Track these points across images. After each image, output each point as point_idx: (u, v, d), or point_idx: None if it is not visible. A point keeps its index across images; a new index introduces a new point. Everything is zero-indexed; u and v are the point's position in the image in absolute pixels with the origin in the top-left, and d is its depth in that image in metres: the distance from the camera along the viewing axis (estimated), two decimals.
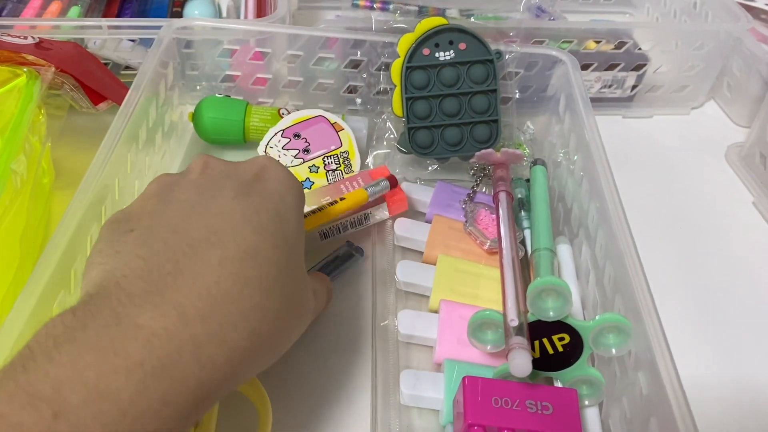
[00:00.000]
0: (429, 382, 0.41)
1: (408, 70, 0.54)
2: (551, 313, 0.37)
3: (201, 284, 0.26)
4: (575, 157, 0.51)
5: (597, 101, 0.65)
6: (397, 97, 0.55)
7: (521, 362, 0.34)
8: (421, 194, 0.53)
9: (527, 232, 0.49)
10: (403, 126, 0.55)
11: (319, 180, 0.54)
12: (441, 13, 0.72)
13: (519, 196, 0.52)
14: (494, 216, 0.49)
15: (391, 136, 0.57)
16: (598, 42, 0.64)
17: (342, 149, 0.56)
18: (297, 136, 0.55)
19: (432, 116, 0.55)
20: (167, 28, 0.55)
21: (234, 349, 0.26)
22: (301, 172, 0.54)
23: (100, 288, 0.26)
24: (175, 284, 0.26)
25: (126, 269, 0.27)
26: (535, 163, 0.55)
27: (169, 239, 0.28)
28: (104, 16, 0.68)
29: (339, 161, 0.55)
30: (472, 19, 0.71)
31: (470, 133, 0.55)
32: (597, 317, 0.37)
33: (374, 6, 0.73)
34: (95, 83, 0.52)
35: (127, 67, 0.61)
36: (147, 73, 0.50)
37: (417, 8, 0.72)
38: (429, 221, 0.52)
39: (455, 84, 0.54)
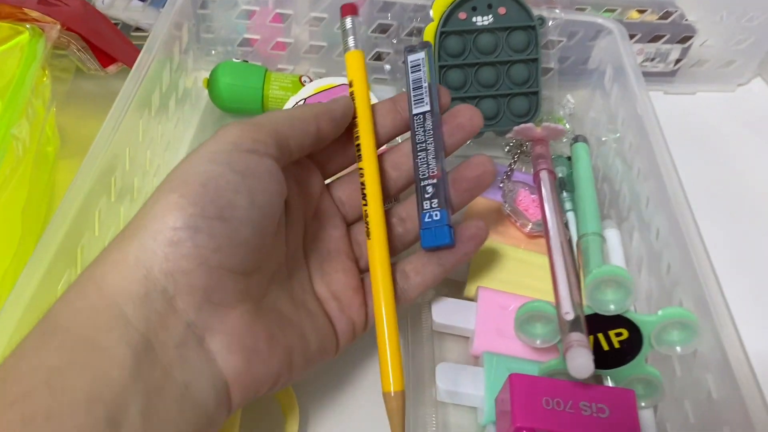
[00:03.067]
0: (467, 377, 0.37)
1: (442, 35, 0.50)
2: (612, 306, 0.33)
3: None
4: (624, 134, 0.47)
5: None
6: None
7: (582, 362, 0.30)
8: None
9: (570, 215, 0.45)
10: None
11: None
12: None
13: (560, 174, 0.48)
14: (535, 196, 0.45)
15: None
16: (641, 11, 0.59)
17: None
18: None
19: (467, 87, 0.51)
20: None
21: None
22: None
23: None
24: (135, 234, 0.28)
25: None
26: (576, 139, 0.51)
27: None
28: None
29: None
30: None
31: (507, 105, 0.51)
32: (660, 312, 0.34)
33: None
34: (104, 44, 0.48)
35: (138, 29, 0.57)
36: (160, 35, 0.46)
37: None
38: None
39: (493, 52, 0.50)
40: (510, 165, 0.49)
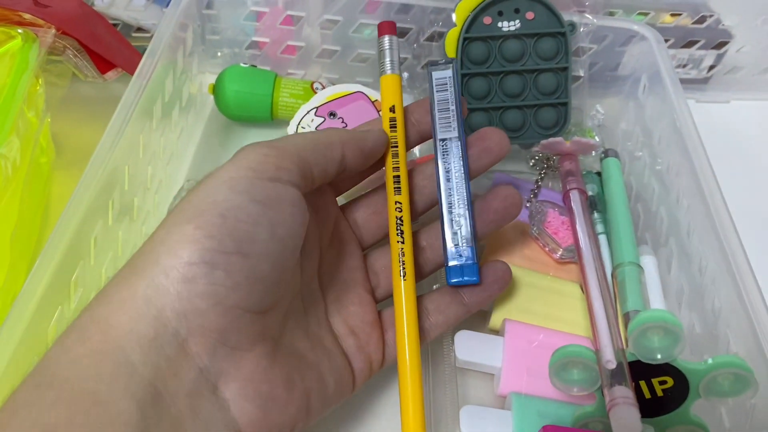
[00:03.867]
0: (494, 422, 0.34)
1: (465, 41, 0.46)
2: (659, 355, 0.30)
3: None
4: (661, 150, 0.44)
5: None
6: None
7: (629, 422, 0.27)
8: (476, 187, 0.46)
9: (602, 238, 0.42)
10: None
11: None
12: None
13: (590, 193, 0.45)
14: (565, 218, 0.42)
15: None
16: (675, 15, 0.56)
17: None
18: (333, 115, 0.48)
19: (491, 96, 0.47)
20: None
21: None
22: None
23: None
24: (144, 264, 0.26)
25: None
26: (606, 154, 0.48)
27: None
28: None
29: None
30: None
31: (534, 117, 0.48)
32: (710, 360, 0.30)
33: None
34: (103, 48, 0.45)
35: (139, 29, 0.53)
36: (164, 37, 0.43)
37: None
38: None
39: (520, 59, 0.47)
40: (537, 182, 0.46)
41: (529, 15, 0.46)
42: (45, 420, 0.21)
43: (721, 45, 0.57)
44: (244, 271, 0.25)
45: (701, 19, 0.55)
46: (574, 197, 0.41)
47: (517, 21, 0.46)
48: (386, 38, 0.37)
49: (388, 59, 0.37)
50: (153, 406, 0.23)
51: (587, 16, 0.48)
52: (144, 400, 0.23)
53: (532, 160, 0.50)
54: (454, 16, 0.46)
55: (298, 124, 0.47)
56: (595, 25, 0.49)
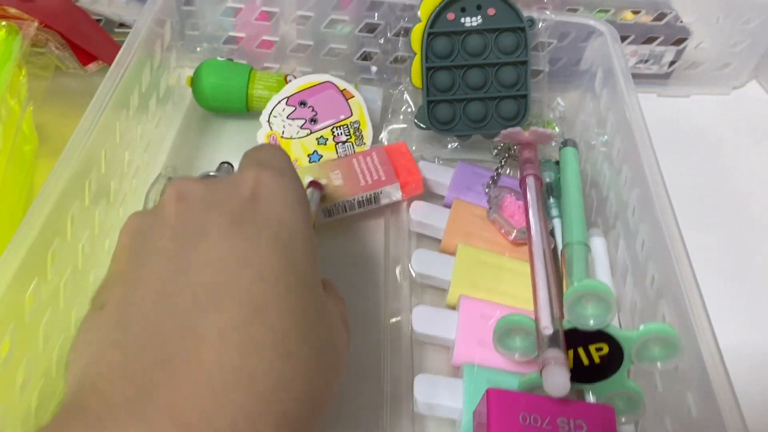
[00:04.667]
0: (446, 389, 0.37)
1: (430, 36, 0.49)
2: (591, 321, 0.33)
3: (199, 372, 0.20)
4: (612, 139, 0.46)
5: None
6: (416, 67, 0.49)
7: (558, 381, 0.30)
8: (439, 175, 0.48)
9: (556, 222, 0.44)
10: (421, 98, 0.50)
11: (328, 153, 0.49)
12: None
13: (547, 180, 0.47)
14: (521, 203, 0.45)
15: (409, 109, 0.52)
16: (636, 12, 0.58)
17: (352, 119, 0.51)
18: (303, 104, 0.50)
19: (454, 89, 0.50)
20: None
21: None
22: (308, 144, 0.50)
23: (77, 394, 0.20)
24: (165, 379, 0.20)
25: (102, 364, 0.21)
26: (565, 143, 0.50)
27: (149, 314, 0.22)
28: None
29: (349, 132, 0.50)
30: None
31: (495, 108, 0.50)
32: (642, 327, 0.33)
33: None
34: (85, 41, 0.47)
35: (122, 24, 0.56)
36: (141, 31, 0.45)
37: None
38: (448, 205, 0.47)
39: (482, 54, 0.49)
40: (497, 169, 0.48)
41: (491, 11, 0.49)
42: None
43: (680, 41, 0.59)
44: None
45: (660, 16, 0.58)
46: (529, 182, 0.43)
47: (479, 17, 0.49)
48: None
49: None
50: None
51: (546, 12, 0.51)
52: None
53: (495, 150, 0.52)
54: (419, 13, 0.49)
55: (270, 113, 0.49)
56: (554, 21, 0.51)
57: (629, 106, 0.45)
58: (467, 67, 0.49)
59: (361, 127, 0.51)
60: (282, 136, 0.49)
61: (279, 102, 0.49)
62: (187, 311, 0.21)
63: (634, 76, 0.53)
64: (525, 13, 0.49)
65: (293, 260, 0.24)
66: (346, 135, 0.50)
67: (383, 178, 0.45)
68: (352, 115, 0.51)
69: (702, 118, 0.62)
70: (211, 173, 0.45)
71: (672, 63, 0.61)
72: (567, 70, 0.56)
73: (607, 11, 0.57)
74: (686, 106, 0.63)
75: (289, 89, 0.50)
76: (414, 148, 0.51)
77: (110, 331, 0.22)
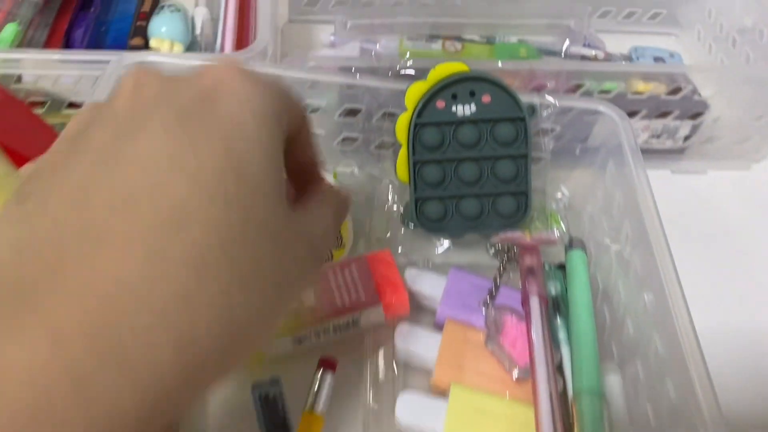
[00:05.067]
0: None
1: (417, 127, 0.43)
2: None
3: (90, 281, 0.18)
4: (624, 249, 0.41)
5: (642, 153, 0.54)
6: (402, 160, 0.44)
7: None
8: (429, 286, 0.42)
9: (565, 352, 0.38)
10: (408, 194, 0.44)
11: None
12: (456, 40, 0.60)
13: (553, 292, 0.41)
14: (523, 325, 0.38)
15: (395, 206, 0.46)
16: (649, 84, 0.52)
17: None
18: None
19: (445, 184, 0.44)
20: (116, 64, 0.43)
21: (152, 374, 0.18)
22: None
23: None
24: (52, 287, 0.17)
25: None
26: (571, 245, 0.44)
27: (60, 213, 0.19)
28: (52, 31, 0.56)
29: None
30: (496, 43, 0.60)
31: (492, 205, 0.44)
32: None
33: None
34: (20, 143, 0.41)
35: (72, 104, 0.49)
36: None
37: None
38: (439, 324, 0.41)
39: (476, 145, 0.43)
40: (495, 279, 0.42)
41: (486, 98, 0.43)
42: None
43: (697, 115, 0.53)
44: None
45: (676, 90, 0.52)
46: (533, 305, 0.37)
47: (473, 104, 0.43)
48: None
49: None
50: None
51: (548, 97, 0.45)
52: None
53: (493, 248, 0.46)
54: (405, 101, 0.43)
55: None
56: (558, 108, 0.45)
57: (641, 197, 0.39)
58: (460, 161, 0.44)
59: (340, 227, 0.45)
60: None
61: None
62: (98, 213, 0.19)
63: (646, 151, 0.48)
64: (525, 100, 0.43)
65: (241, 169, 0.21)
66: None
67: (363, 299, 0.39)
68: None
69: (721, 196, 0.56)
70: None
71: (687, 138, 0.55)
72: (572, 148, 0.50)
73: (616, 85, 0.51)
74: (703, 183, 0.57)
75: None
76: (400, 250, 0.45)
77: (15, 227, 0.19)
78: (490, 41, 0.60)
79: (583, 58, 0.61)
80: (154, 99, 0.22)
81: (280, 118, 0.23)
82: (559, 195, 0.48)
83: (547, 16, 0.58)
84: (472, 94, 0.43)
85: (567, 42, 0.47)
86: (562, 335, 0.39)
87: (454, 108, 0.43)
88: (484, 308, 0.40)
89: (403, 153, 0.43)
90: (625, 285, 0.40)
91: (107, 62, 0.43)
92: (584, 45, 0.62)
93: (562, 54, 0.60)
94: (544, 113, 0.45)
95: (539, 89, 0.48)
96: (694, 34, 0.68)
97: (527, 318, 0.38)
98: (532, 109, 0.43)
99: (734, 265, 0.50)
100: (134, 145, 0.20)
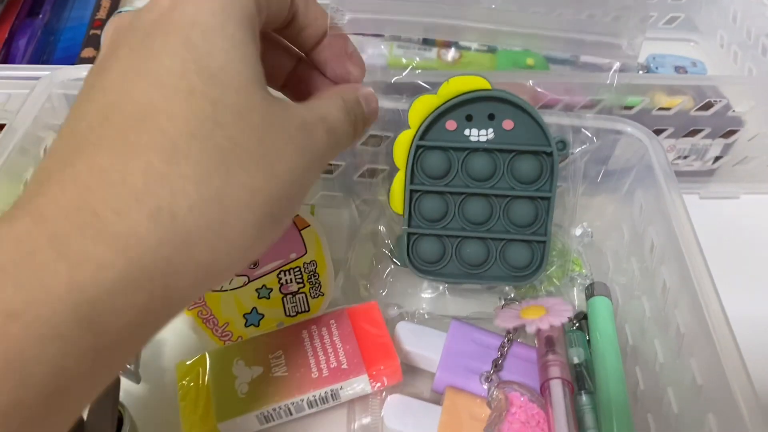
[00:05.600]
0: None
1: (419, 149, 0.36)
2: None
3: (77, 174, 0.20)
4: (664, 296, 0.34)
5: None
6: (398, 187, 0.37)
7: None
8: (425, 345, 0.35)
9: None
10: (401, 228, 0.37)
11: (273, 311, 0.37)
12: (452, 45, 0.52)
13: (575, 360, 0.34)
14: (535, 410, 0.31)
15: (387, 241, 0.39)
16: (676, 100, 0.45)
17: (307, 258, 0.38)
18: None
19: (446, 221, 0.37)
20: (47, 81, 0.36)
21: (128, 241, 0.19)
22: (244, 299, 0.37)
23: None
24: (52, 178, 0.20)
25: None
26: (592, 291, 0.37)
27: (65, 129, 0.22)
28: None
29: (302, 278, 0.38)
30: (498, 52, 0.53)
31: (501, 252, 0.37)
32: None
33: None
34: None
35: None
36: (6, 152, 0.33)
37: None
38: (438, 392, 0.34)
39: (489, 179, 0.37)
40: (502, 346, 0.35)
41: (507, 124, 0.35)
42: None
43: (730, 133, 0.46)
44: None
45: (707, 106, 0.45)
46: (554, 391, 0.30)
47: (491, 130, 0.36)
48: None
49: None
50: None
51: (584, 131, 0.37)
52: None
53: (503, 301, 0.39)
54: (407, 117, 0.36)
55: None
56: (594, 144, 0.38)
57: (684, 242, 0.32)
58: (467, 195, 0.37)
59: (318, 270, 0.38)
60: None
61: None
62: (81, 134, 0.21)
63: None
64: (555, 131, 0.36)
65: (202, 62, 0.22)
66: (298, 282, 0.37)
67: (345, 366, 0.32)
68: (306, 252, 0.38)
69: (754, 223, 0.49)
70: None
71: (717, 158, 0.48)
72: (590, 172, 0.43)
73: (640, 100, 0.44)
74: (735, 209, 0.50)
75: None
76: (385, 292, 0.38)
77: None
78: (491, 49, 0.53)
79: (596, 66, 0.54)
80: (125, 32, 0.24)
81: (246, 8, 0.24)
82: (579, 231, 0.41)
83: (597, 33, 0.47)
84: (491, 117, 0.35)
85: (617, 65, 0.39)
86: (589, 419, 0.32)
87: (467, 131, 0.36)
88: (486, 384, 0.33)
89: (399, 179, 0.36)
90: (664, 345, 0.33)
91: (37, 79, 0.36)
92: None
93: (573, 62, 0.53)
94: (578, 150, 0.37)
95: (551, 105, 0.41)
96: (715, 40, 0.61)
97: (548, 411, 0.30)
98: (564, 144, 0.36)
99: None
100: (110, 76, 0.22)
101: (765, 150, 0.48)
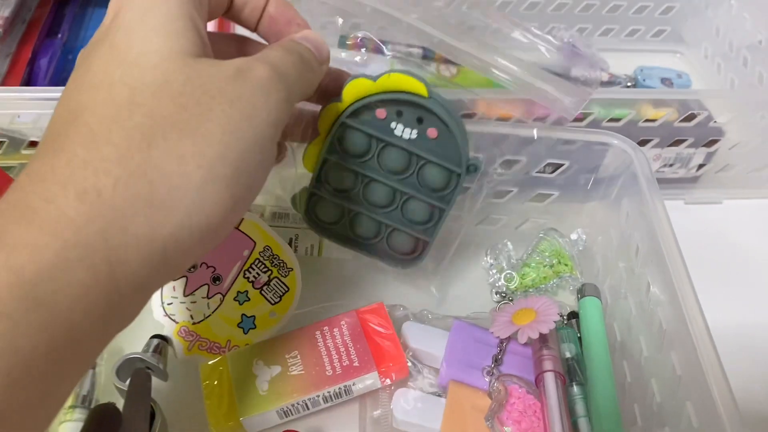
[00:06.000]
0: None
1: (344, 126, 0.36)
2: None
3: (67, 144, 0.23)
4: (647, 295, 0.37)
5: None
6: (314, 150, 0.37)
7: None
8: (430, 343, 0.38)
9: (584, 427, 0.34)
10: (308, 182, 0.39)
11: (259, 308, 0.38)
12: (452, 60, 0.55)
13: (567, 354, 0.37)
14: (532, 401, 0.34)
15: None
16: (660, 112, 0.48)
17: (259, 247, 0.40)
18: (191, 267, 0.39)
19: (349, 193, 0.38)
20: None
21: (57, 221, 0.21)
22: (230, 313, 0.38)
23: None
24: (48, 152, 0.23)
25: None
26: (583, 292, 0.40)
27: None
28: (14, 61, 0.52)
29: (266, 266, 0.39)
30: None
31: (389, 235, 0.39)
32: None
33: (367, 47, 0.57)
34: None
35: (33, 143, 0.45)
36: None
37: (421, 50, 0.56)
38: (442, 386, 0.37)
39: (399, 173, 0.37)
40: (501, 343, 0.37)
41: (431, 132, 0.36)
42: None
43: (712, 143, 0.50)
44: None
45: (690, 117, 0.48)
46: (548, 382, 0.33)
47: (416, 132, 0.36)
48: None
49: None
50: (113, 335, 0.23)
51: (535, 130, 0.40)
52: (111, 335, 0.23)
53: (496, 295, 0.42)
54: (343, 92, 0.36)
55: (162, 303, 0.39)
56: (554, 140, 0.41)
57: (666, 247, 0.35)
58: (374, 180, 0.38)
59: (275, 252, 0.39)
60: (193, 323, 0.38)
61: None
62: (56, 131, 0.23)
63: (658, 181, 0.44)
64: (478, 153, 0.38)
65: (121, 55, 0.24)
66: (265, 271, 0.39)
67: (356, 364, 0.35)
68: (255, 243, 0.40)
69: (737, 227, 0.52)
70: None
71: (701, 166, 0.51)
72: (581, 180, 0.46)
73: (627, 113, 0.47)
74: (718, 214, 0.53)
75: None
76: (385, 297, 0.41)
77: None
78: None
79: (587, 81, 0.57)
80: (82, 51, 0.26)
81: (182, 6, 0.25)
82: (574, 236, 0.44)
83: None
84: (420, 120, 0.36)
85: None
86: (580, 407, 0.35)
87: (393, 125, 0.36)
88: (487, 377, 0.36)
89: (317, 142, 0.37)
90: (648, 341, 0.36)
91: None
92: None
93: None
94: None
95: (542, 119, 0.44)
96: (700, 52, 0.64)
97: (542, 400, 0.34)
98: (475, 168, 0.36)
99: (756, 303, 0.46)
100: (62, 95, 0.24)
101: (745, 158, 0.51)
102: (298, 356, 0.35)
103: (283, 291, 0.39)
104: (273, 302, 0.39)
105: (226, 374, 0.36)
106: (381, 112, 0.36)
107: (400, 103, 0.35)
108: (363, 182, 0.38)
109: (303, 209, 0.39)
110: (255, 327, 0.38)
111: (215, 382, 0.35)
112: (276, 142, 0.26)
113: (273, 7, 0.31)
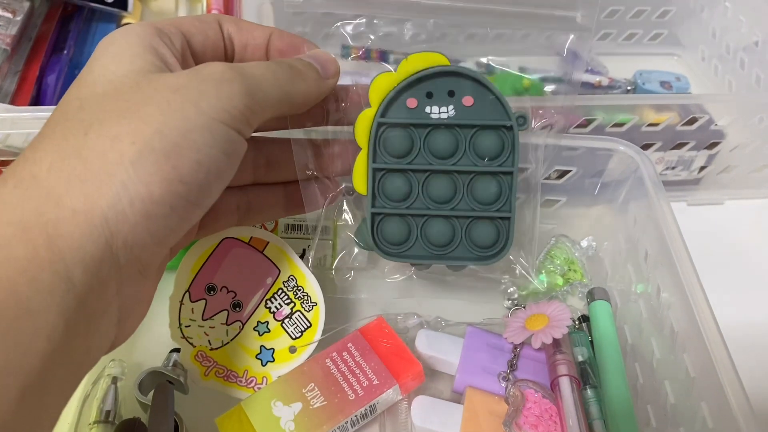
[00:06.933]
0: None
1: (381, 127, 0.36)
2: None
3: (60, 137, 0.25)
4: (657, 298, 0.37)
5: None
6: (360, 166, 0.36)
7: None
8: (444, 350, 0.38)
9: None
10: (365, 209, 0.37)
11: (280, 341, 0.37)
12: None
13: (580, 358, 0.38)
14: (548, 405, 0.35)
15: (350, 224, 0.39)
16: (663, 117, 0.49)
17: (284, 276, 0.38)
18: (211, 289, 0.37)
19: (411, 200, 0.37)
20: None
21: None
22: (248, 343, 0.37)
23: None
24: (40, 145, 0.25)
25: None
26: (592, 296, 0.41)
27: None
28: (22, 78, 0.52)
29: (290, 298, 0.38)
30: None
31: (466, 231, 0.37)
32: None
33: (371, 56, 0.58)
34: None
35: None
36: None
37: None
38: (458, 392, 0.37)
39: (451, 156, 0.37)
40: (515, 348, 0.38)
41: (467, 101, 0.36)
42: None
43: (713, 145, 0.50)
44: (193, 220, 0.27)
45: (691, 121, 0.49)
46: (563, 387, 0.34)
47: (451, 107, 0.36)
48: None
49: None
50: (78, 324, 0.23)
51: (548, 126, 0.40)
52: (72, 318, 0.22)
53: (508, 301, 0.43)
54: (368, 94, 0.36)
55: (179, 324, 0.38)
56: (556, 147, 0.41)
57: (675, 250, 0.36)
58: (430, 173, 0.37)
59: (299, 283, 0.38)
60: (211, 348, 0.37)
61: (181, 301, 0.37)
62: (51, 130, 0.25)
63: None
64: (515, 107, 0.36)
65: (81, 80, 0.27)
66: (287, 303, 0.38)
67: (376, 381, 0.35)
68: (280, 271, 0.38)
69: (739, 227, 0.53)
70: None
71: (702, 168, 0.52)
72: (586, 184, 0.46)
73: (630, 118, 0.48)
74: (720, 214, 0.54)
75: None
76: (351, 276, 0.41)
77: None
78: (489, 70, 0.57)
79: (587, 84, 0.58)
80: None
81: (140, 35, 0.28)
82: (585, 243, 0.45)
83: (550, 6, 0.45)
84: (451, 94, 0.36)
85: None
86: (594, 410, 0.35)
87: (428, 108, 0.36)
88: (503, 382, 0.37)
89: (362, 158, 0.36)
90: (659, 343, 0.37)
91: None
92: (587, 71, 0.59)
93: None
94: (549, 145, 0.40)
95: (550, 127, 0.45)
96: (697, 54, 0.66)
97: (558, 404, 0.34)
98: (524, 119, 0.35)
99: (759, 301, 0.47)
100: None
101: (745, 159, 0.52)
102: (316, 388, 0.35)
103: (305, 326, 0.37)
104: (294, 337, 0.37)
105: (246, 422, 0.34)
106: (412, 102, 0.36)
107: (427, 81, 0.35)
108: (420, 181, 0.37)
109: (368, 238, 0.37)
110: (273, 360, 0.37)
111: None
112: (237, 128, 0.27)
113: (278, 40, 0.32)
